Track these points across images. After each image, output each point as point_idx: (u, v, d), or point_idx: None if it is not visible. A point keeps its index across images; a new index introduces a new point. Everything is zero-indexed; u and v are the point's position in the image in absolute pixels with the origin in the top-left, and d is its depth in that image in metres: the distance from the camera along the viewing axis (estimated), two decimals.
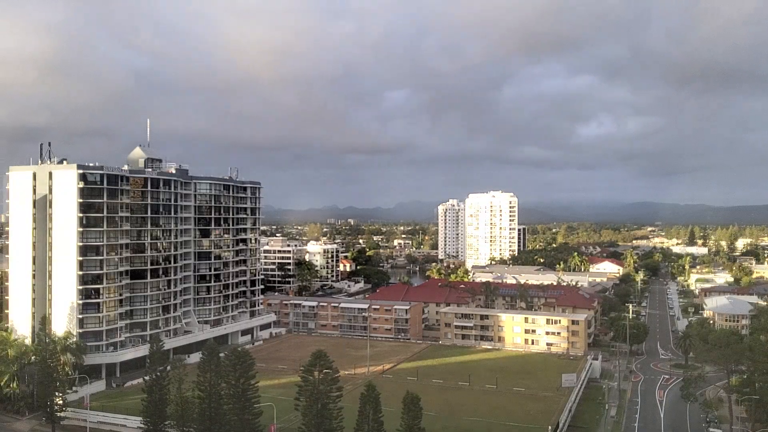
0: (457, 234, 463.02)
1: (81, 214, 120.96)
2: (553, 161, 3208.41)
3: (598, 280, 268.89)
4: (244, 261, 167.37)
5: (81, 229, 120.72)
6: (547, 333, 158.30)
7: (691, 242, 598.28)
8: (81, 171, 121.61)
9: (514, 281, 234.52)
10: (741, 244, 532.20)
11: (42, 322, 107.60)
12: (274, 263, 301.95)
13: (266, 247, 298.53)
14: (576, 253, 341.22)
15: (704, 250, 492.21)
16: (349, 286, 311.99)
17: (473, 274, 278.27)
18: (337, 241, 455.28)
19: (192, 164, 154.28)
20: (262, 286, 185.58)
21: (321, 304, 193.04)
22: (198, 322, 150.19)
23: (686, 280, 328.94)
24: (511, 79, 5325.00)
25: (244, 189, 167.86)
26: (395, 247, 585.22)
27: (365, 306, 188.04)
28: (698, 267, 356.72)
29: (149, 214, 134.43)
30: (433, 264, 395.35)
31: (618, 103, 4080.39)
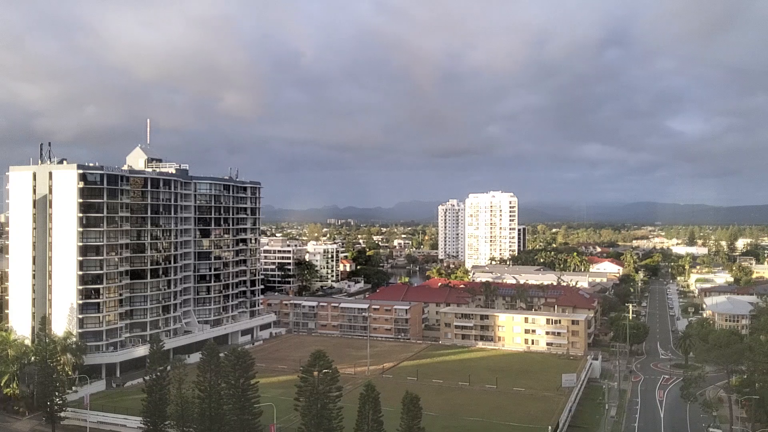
0: (457, 234, 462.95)
1: (81, 214, 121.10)
2: (614, 161, 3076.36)
3: (598, 280, 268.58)
4: (244, 261, 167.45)
5: (81, 229, 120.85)
6: (547, 333, 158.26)
7: (691, 242, 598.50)
8: (81, 171, 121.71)
9: (513, 281, 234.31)
10: (741, 244, 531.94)
11: (42, 322, 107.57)
12: (274, 263, 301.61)
13: (266, 247, 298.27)
14: (576, 253, 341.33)
15: (704, 250, 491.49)
16: (349, 286, 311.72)
17: (473, 274, 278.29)
18: (337, 241, 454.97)
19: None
20: (262, 286, 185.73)
21: (321, 304, 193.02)
22: (198, 322, 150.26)
23: (686, 280, 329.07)
24: (611, 73, 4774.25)
25: (244, 189, 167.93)
26: (395, 247, 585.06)
27: (365, 306, 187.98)
28: (698, 267, 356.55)
29: (149, 214, 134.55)
30: (433, 264, 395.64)
31: (707, 102, 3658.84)
